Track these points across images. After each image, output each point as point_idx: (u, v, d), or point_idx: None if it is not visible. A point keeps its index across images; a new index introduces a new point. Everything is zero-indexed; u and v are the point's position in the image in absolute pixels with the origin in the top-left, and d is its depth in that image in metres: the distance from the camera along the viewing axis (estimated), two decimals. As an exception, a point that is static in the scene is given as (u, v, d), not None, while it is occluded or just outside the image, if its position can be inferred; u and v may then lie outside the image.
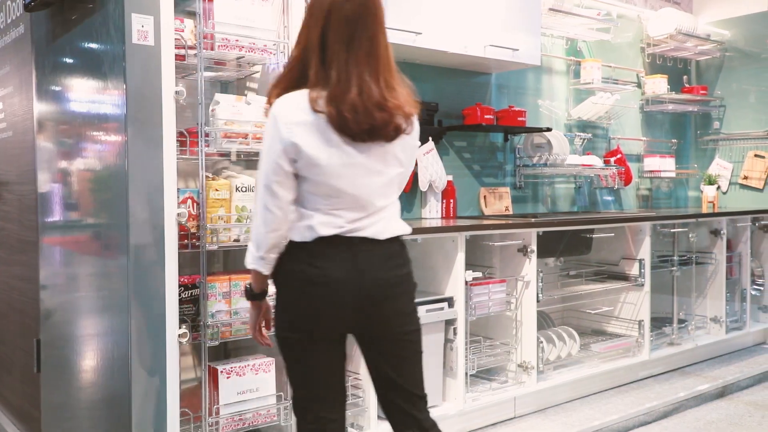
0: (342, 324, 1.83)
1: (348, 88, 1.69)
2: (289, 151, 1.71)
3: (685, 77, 5.38)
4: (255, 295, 1.92)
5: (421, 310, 3.09)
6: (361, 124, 1.70)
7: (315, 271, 1.76)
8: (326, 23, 1.73)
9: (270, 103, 1.80)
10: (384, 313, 1.82)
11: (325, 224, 1.76)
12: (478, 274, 3.30)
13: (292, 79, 1.78)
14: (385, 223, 1.82)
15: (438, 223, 3.49)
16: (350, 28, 1.72)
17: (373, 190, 1.78)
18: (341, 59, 1.71)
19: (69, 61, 2.68)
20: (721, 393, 3.96)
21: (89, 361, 2.57)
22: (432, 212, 3.78)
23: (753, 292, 4.89)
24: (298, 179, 1.77)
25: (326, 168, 1.72)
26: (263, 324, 1.99)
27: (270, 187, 1.73)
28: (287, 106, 1.74)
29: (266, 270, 1.82)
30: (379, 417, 2.97)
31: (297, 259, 1.79)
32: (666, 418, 3.61)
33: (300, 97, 1.73)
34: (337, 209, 1.77)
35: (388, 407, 1.94)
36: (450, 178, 3.83)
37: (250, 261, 1.83)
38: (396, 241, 1.86)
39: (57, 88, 2.77)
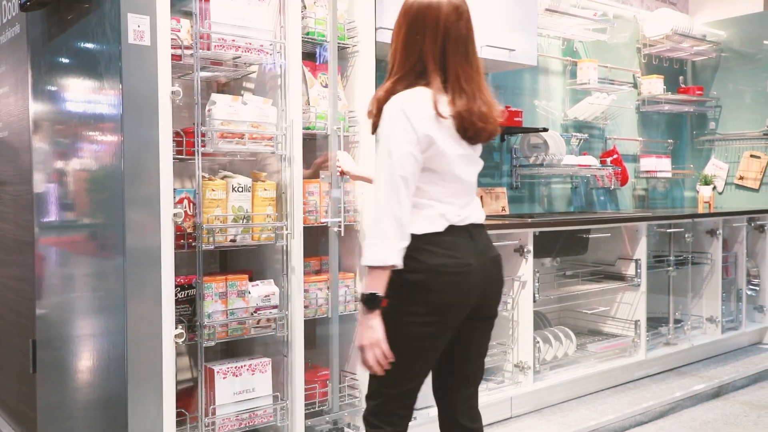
0: (471, 307, 1.92)
1: (475, 101, 1.87)
2: (423, 142, 1.81)
3: (681, 78, 5.39)
4: (381, 298, 1.79)
5: (418, 311, 3.10)
6: (485, 131, 1.89)
7: (455, 261, 1.85)
8: (445, 40, 1.87)
9: (380, 101, 1.87)
10: (496, 290, 2.01)
11: (450, 213, 1.88)
12: (475, 275, 3.30)
13: (415, 85, 1.86)
14: (479, 208, 2.00)
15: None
16: (465, 45, 1.90)
17: (476, 179, 1.99)
18: (468, 74, 1.88)
19: (65, 61, 2.67)
20: (717, 393, 3.97)
21: (85, 361, 2.57)
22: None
23: (749, 292, 4.90)
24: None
25: (451, 157, 1.86)
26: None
27: (406, 179, 1.79)
28: (415, 100, 1.82)
29: (402, 263, 1.81)
30: (375, 417, 2.97)
31: (431, 252, 1.84)
32: (662, 418, 3.62)
33: (423, 95, 1.84)
34: (452, 197, 1.89)
35: (446, 393, 2.04)
36: (446, 178, 3.83)
37: (393, 256, 1.77)
38: (484, 225, 2.01)
39: (53, 88, 2.77)
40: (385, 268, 1.78)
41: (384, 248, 1.76)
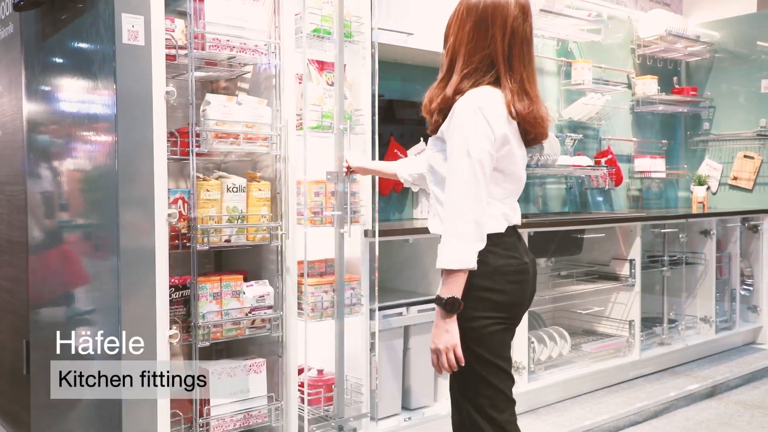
0: (528, 306, 1.97)
1: (538, 104, 1.88)
2: (499, 140, 1.80)
3: (675, 78, 5.41)
4: (460, 302, 1.77)
5: (413, 311, 3.10)
6: (542, 135, 1.93)
7: (516, 262, 1.87)
8: (511, 39, 1.85)
9: (447, 99, 1.85)
10: (535, 290, 1.99)
11: (509, 214, 1.89)
12: (470, 275, 3.30)
13: (481, 83, 1.85)
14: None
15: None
16: (528, 46, 1.89)
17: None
18: (531, 77, 1.89)
19: (59, 61, 2.67)
20: (711, 393, 3.98)
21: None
22: (423, 213, 3.78)
23: (742, 292, 4.92)
24: None
25: (518, 158, 1.87)
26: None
27: (485, 179, 1.77)
28: (490, 99, 1.81)
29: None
30: (372, 418, 2.97)
31: (495, 254, 1.83)
32: (656, 417, 3.62)
33: (495, 94, 1.83)
34: (509, 197, 1.90)
35: None
36: (441, 178, 3.82)
37: (471, 257, 1.75)
38: None
39: (47, 88, 2.76)
40: (464, 271, 1.75)
41: (464, 250, 1.74)
